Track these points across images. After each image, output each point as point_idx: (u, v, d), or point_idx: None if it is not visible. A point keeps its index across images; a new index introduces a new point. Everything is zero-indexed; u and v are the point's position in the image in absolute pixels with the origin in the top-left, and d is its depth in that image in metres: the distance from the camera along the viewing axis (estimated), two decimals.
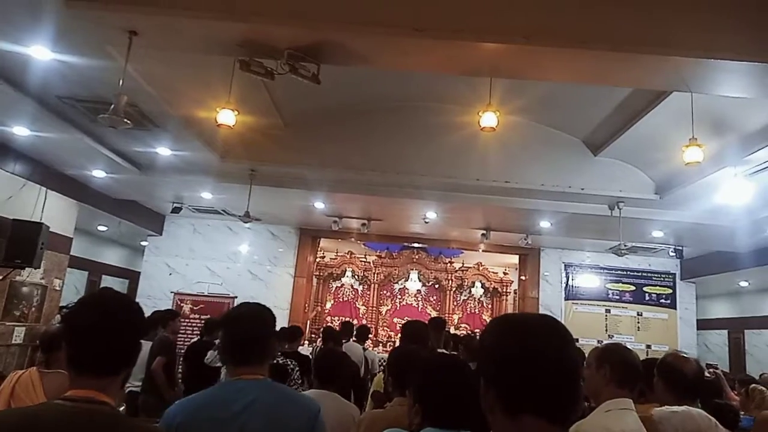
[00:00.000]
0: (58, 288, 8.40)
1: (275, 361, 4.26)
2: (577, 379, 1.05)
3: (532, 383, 1.00)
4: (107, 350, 1.33)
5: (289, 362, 4.46)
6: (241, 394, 1.80)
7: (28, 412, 1.26)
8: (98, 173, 7.80)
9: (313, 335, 11.69)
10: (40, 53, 4.35)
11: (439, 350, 4.33)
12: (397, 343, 7.54)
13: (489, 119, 4.56)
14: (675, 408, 2.33)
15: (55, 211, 7.90)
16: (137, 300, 10.41)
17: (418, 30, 3.51)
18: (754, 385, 4.84)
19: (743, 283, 11.41)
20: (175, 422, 1.73)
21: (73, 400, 1.27)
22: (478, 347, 1.14)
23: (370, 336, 12.06)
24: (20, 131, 6.21)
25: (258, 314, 1.98)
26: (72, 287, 10.26)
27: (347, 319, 12.49)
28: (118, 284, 13.66)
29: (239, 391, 1.82)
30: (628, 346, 2.39)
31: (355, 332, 7.24)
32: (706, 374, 4.24)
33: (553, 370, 1.01)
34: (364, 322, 12.56)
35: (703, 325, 12.17)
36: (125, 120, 4.08)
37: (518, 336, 1.06)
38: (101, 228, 11.55)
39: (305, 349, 8.04)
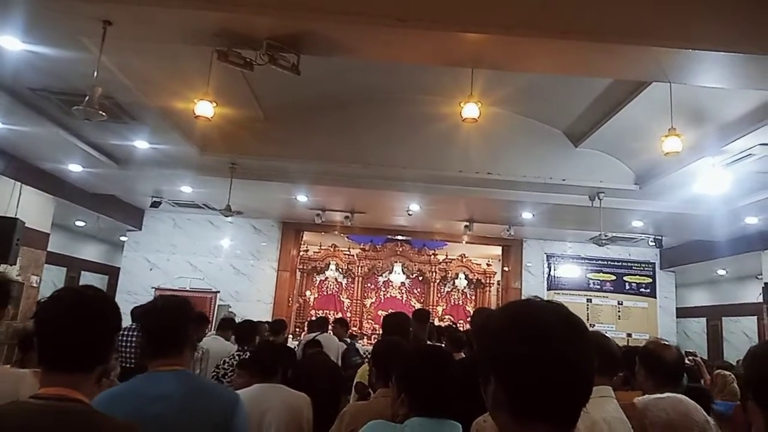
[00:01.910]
0: (35, 285, 8.24)
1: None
2: (591, 380, 0.97)
3: (545, 386, 0.92)
4: (76, 344, 1.29)
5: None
6: (157, 386, 1.79)
7: None
8: (75, 167, 7.65)
9: (297, 329, 11.66)
10: (10, 43, 4.22)
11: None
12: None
13: (471, 110, 4.55)
14: (661, 394, 2.36)
15: (30, 207, 7.73)
16: (117, 296, 10.32)
17: (400, 20, 3.48)
18: (718, 370, 4.95)
19: (721, 272, 11.63)
20: None
21: (44, 398, 1.23)
22: (482, 337, 1.04)
23: (354, 329, 12.15)
24: None
25: (172, 305, 1.99)
26: (50, 283, 10.06)
27: (330, 312, 12.55)
28: (97, 280, 13.46)
29: (155, 382, 1.81)
30: (609, 335, 2.41)
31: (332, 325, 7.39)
32: (687, 361, 4.31)
33: (567, 372, 0.93)
34: (348, 315, 12.59)
35: (682, 313, 12.39)
36: (100, 112, 4.00)
37: (531, 332, 0.95)
38: (79, 223, 11.34)
39: (290, 343, 8.04)
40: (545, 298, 1.06)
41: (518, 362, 0.94)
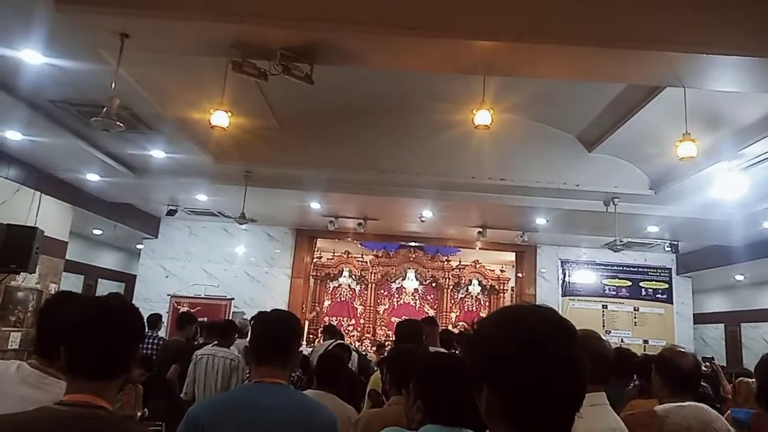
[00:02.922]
0: (54, 292, 8.36)
1: None
2: (584, 383, 0.95)
3: (538, 390, 0.91)
4: (102, 353, 1.32)
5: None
6: (262, 398, 1.85)
7: (22, 417, 1.24)
8: (92, 177, 7.77)
9: (311, 336, 11.68)
10: (32, 57, 4.32)
11: (434, 348, 4.32)
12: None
13: (483, 117, 4.55)
14: (681, 402, 2.32)
15: (49, 216, 7.86)
16: (134, 303, 10.44)
17: (410, 29, 3.51)
18: (741, 378, 4.86)
19: (739, 277, 11.45)
20: (200, 422, 1.78)
21: (69, 405, 1.26)
22: (474, 344, 1.03)
23: (368, 335, 12.13)
24: (13, 136, 6.18)
25: (283, 320, 2.07)
26: None
27: (343, 319, 12.58)
28: (114, 288, 13.60)
29: (260, 394, 1.87)
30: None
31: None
32: (703, 368, 4.25)
33: (560, 375, 0.92)
34: (361, 321, 12.59)
35: (700, 319, 12.21)
36: (118, 123, 4.07)
37: (522, 335, 0.94)
38: (96, 231, 11.50)
39: (305, 349, 8.06)
40: (560, 304, 1.06)
41: (511, 366, 0.93)
